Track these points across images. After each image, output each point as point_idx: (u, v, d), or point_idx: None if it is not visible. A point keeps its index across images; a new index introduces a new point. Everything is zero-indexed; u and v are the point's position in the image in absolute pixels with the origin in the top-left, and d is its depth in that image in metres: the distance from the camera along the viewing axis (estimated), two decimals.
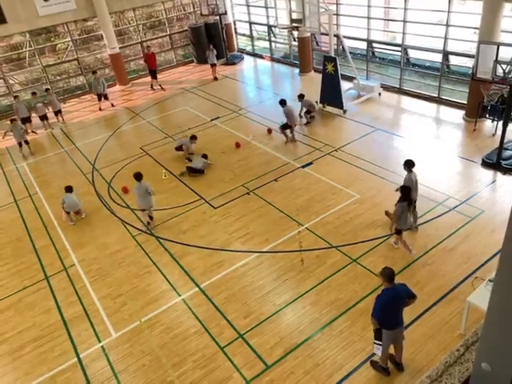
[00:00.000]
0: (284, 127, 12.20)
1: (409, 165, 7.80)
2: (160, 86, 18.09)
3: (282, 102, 12.18)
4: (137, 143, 13.56)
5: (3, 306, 7.93)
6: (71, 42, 18.39)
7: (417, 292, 6.91)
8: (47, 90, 15.89)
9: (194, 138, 12.11)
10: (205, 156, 11.49)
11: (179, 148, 12.15)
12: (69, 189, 9.85)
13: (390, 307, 5.31)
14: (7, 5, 15.83)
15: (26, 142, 13.73)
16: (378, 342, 5.51)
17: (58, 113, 15.78)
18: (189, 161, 11.68)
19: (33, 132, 15.26)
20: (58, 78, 18.84)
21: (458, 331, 6.26)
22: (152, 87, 18.18)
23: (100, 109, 16.73)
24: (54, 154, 13.80)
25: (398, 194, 7.50)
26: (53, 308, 7.73)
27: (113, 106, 16.93)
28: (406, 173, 7.90)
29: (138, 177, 9.13)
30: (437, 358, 5.91)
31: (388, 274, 5.27)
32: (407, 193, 7.35)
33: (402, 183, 7.86)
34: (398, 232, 7.63)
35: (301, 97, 12.99)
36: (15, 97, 15.43)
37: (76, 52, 18.55)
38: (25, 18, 16.33)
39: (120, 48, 18.87)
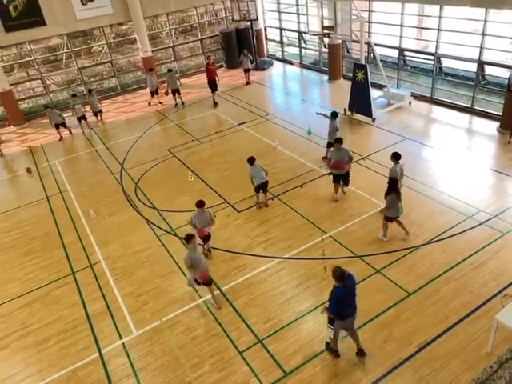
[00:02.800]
0: (329, 145, 10.84)
1: (396, 157, 8.37)
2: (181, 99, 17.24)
3: (334, 115, 10.87)
4: (164, 145, 13.79)
5: (31, 299, 8.19)
6: (106, 45, 18.94)
7: (441, 307, 6.84)
8: (90, 91, 16.35)
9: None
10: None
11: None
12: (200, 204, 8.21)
13: (343, 302, 5.78)
14: (47, 8, 16.48)
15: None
16: (330, 326, 6.03)
17: (97, 113, 16.29)
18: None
19: (69, 131, 15.74)
20: (92, 79, 19.43)
21: (484, 350, 6.03)
22: (215, 104, 16.58)
23: (149, 104, 17.50)
24: (85, 152, 14.21)
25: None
26: (78, 303, 7.93)
27: (161, 103, 17.48)
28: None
29: (201, 204, 8.10)
30: (460, 376, 5.73)
31: (338, 275, 5.62)
32: (394, 184, 7.93)
33: (430, 195, 7.76)
34: (389, 219, 8.21)
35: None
36: (73, 96, 16.23)
37: (110, 55, 19.10)
38: (63, 21, 16.97)
39: (152, 51, 19.30)
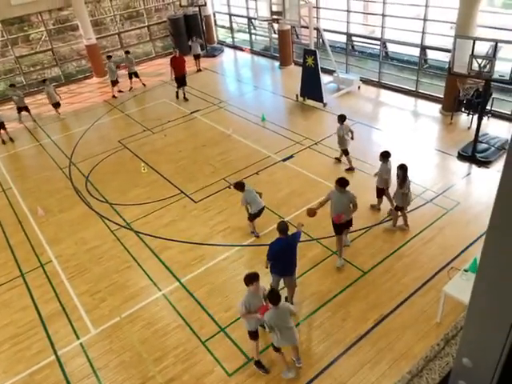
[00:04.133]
0: (344, 152, 10.16)
1: (385, 156, 8.25)
2: (142, 82, 17.00)
3: (343, 119, 9.77)
4: (115, 136, 13.32)
5: None
6: (45, 32, 17.85)
7: (394, 283, 7.15)
8: (44, 80, 15.17)
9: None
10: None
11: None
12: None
13: (281, 254, 6.22)
14: None
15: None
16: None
17: (56, 105, 14.98)
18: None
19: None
20: (32, 69, 18.29)
21: (434, 320, 6.41)
22: (177, 96, 15.52)
23: (114, 96, 16.40)
24: (30, 147, 13.44)
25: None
26: (29, 305, 7.57)
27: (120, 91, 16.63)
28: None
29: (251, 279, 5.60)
30: (414, 347, 6.07)
31: (281, 228, 6.19)
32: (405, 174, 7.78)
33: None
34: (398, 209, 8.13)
35: (342, 118, 9.83)
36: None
37: (51, 42, 18.03)
38: None
39: (97, 39, 18.43)
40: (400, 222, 8.33)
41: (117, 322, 7.04)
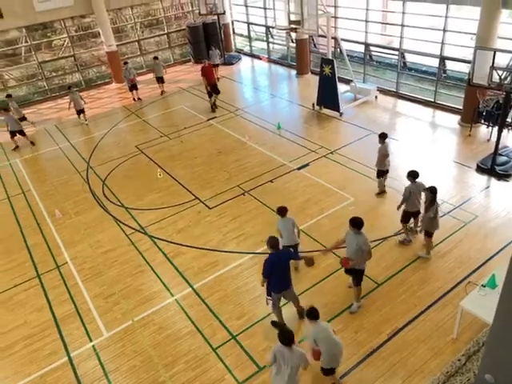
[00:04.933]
0: (382, 174, 9.54)
1: (383, 137, 8.91)
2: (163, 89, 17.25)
3: (383, 137, 9.13)
4: (132, 141, 13.49)
5: None
6: (68, 39, 18.27)
7: (409, 296, 7.03)
8: (70, 87, 15.19)
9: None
10: None
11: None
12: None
13: (276, 268, 6.15)
14: (4, 0, 15.69)
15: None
16: (268, 297, 6.50)
17: (80, 112, 14.99)
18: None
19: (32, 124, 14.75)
20: (54, 74, 18.71)
21: (450, 336, 6.27)
22: (213, 108, 15.01)
23: (134, 99, 16.76)
24: (49, 150, 13.69)
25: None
26: (44, 306, 7.66)
27: (139, 99, 16.81)
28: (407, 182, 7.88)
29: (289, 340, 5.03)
30: (429, 362, 5.94)
31: (270, 243, 6.12)
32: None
33: (397, 187, 7.97)
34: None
35: (383, 137, 9.14)
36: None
37: (72, 48, 18.45)
38: (22, 14, 16.23)
39: (117, 46, 18.79)
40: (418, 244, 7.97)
41: (129, 326, 7.07)
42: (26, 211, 10.53)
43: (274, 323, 6.75)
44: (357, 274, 6.60)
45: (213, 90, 14.98)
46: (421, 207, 7.79)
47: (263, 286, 6.57)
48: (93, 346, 6.80)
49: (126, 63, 16.55)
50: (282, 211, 7.10)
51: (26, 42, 17.54)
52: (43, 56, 18.26)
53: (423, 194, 7.64)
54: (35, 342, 7.00)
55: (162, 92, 17.18)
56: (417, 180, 7.66)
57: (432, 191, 7.16)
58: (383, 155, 9.19)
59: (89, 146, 13.60)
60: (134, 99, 16.71)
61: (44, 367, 6.56)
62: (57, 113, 16.65)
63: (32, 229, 9.84)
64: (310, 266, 6.68)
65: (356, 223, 6.22)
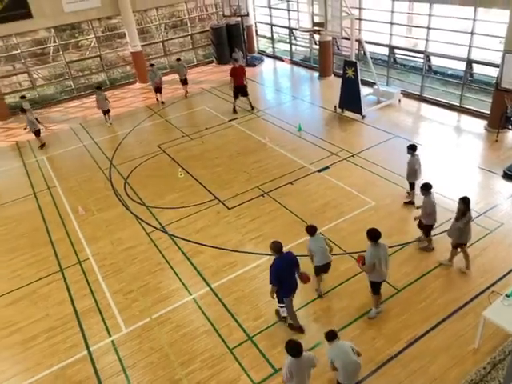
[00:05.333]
0: (412, 187, 9.29)
1: (412, 148, 8.71)
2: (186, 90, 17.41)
3: (413, 148, 8.85)
4: (154, 141, 13.68)
5: (18, 296, 8.08)
6: (94, 39, 18.67)
7: (429, 304, 6.91)
8: (98, 87, 15.38)
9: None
10: None
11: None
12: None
13: (283, 272, 6.09)
14: (34, 0, 16.15)
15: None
16: (281, 305, 6.49)
17: (106, 112, 15.23)
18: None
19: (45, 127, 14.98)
20: (80, 73, 19.14)
21: (471, 346, 6.11)
22: (235, 109, 15.04)
23: (157, 100, 16.93)
24: (74, 148, 14.00)
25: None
26: (66, 300, 7.85)
27: (162, 103, 16.81)
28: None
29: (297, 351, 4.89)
30: (449, 372, 5.81)
31: (274, 247, 6.10)
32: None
33: (418, 192, 7.82)
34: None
35: (413, 149, 8.87)
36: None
37: (99, 49, 18.84)
38: (50, 14, 16.66)
39: (142, 46, 19.09)
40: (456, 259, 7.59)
41: (147, 323, 7.17)
42: (50, 207, 10.81)
43: (290, 326, 6.73)
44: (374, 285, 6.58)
45: (241, 91, 14.87)
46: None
47: (273, 298, 6.40)
48: (112, 341, 6.93)
49: (152, 65, 16.77)
50: (312, 230, 6.73)
51: (55, 42, 18.01)
52: (71, 56, 18.71)
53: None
54: (57, 334, 7.17)
55: (186, 94, 17.31)
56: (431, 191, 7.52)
57: (465, 201, 6.92)
58: (412, 169, 8.93)
59: (112, 144, 13.85)
60: (157, 99, 16.93)
61: (64, 360, 6.71)
62: (82, 111, 17.02)
63: (56, 224, 10.09)
64: (306, 283, 6.47)
65: (373, 235, 6.18)
